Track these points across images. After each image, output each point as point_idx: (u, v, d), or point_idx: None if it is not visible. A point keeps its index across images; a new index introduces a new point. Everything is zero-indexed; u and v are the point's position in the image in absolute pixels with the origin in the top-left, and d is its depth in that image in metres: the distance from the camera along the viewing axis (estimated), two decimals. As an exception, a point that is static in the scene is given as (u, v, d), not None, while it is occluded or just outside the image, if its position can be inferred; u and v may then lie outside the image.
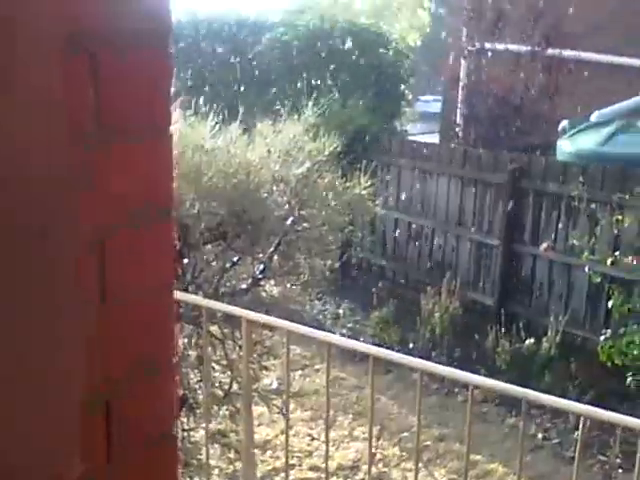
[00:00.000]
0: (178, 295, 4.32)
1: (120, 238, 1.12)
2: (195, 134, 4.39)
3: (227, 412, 5.04)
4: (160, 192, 1.18)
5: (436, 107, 16.48)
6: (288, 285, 5.57)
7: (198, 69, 11.66)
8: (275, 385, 6.45)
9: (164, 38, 1.12)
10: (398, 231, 9.59)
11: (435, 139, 13.79)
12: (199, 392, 4.87)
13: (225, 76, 11.48)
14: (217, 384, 5.03)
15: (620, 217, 6.85)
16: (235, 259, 5.24)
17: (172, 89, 1.17)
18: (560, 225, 7.80)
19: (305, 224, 4.94)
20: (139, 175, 1.14)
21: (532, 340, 7.57)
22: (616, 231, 6.94)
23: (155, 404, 1.22)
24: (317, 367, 7.67)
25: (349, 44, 10.86)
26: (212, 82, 11.45)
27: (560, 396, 3.28)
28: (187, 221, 4.49)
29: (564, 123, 8.83)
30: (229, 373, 4.98)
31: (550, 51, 9.68)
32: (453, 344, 8.00)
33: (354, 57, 10.99)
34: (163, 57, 1.13)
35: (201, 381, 4.74)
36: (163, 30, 1.12)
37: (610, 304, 6.94)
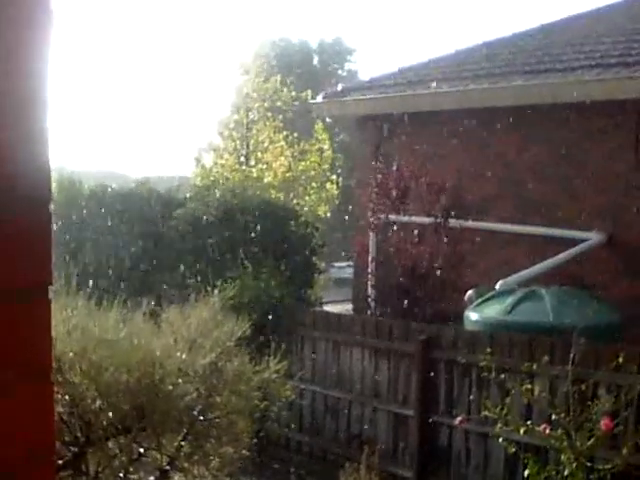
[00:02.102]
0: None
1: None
2: (96, 326, 4.31)
3: None
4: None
5: (350, 272, 16.78)
6: (199, 472, 5.36)
7: (108, 245, 11.66)
8: None
9: (43, 207, 1.23)
10: (315, 404, 9.47)
11: (350, 306, 13.93)
12: None
13: (136, 252, 11.49)
14: None
15: (530, 386, 6.93)
16: (141, 451, 5.04)
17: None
18: (472, 395, 7.85)
19: (214, 412, 4.83)
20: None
21: (454, 514, 7.41)
22: (526, 400, 7.00)
23: None
24: None
25: (259, 220, 11.10)
26: (122, 259, 11.43)
27: None
28: (89, 417, 4.33)
29: (470, 292, 9.08)
30: None
31: (452, 222, 10.09)
32: (375, 522, 7.77)
33: (265, 231, 11.21)
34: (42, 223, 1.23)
35: None
36: (42, 201, 1.23)
37: (527, 473, 6.89)
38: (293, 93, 21.32)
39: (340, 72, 37.75)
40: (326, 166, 17.64)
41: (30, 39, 1.22)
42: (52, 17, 1.29)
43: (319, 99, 13.47)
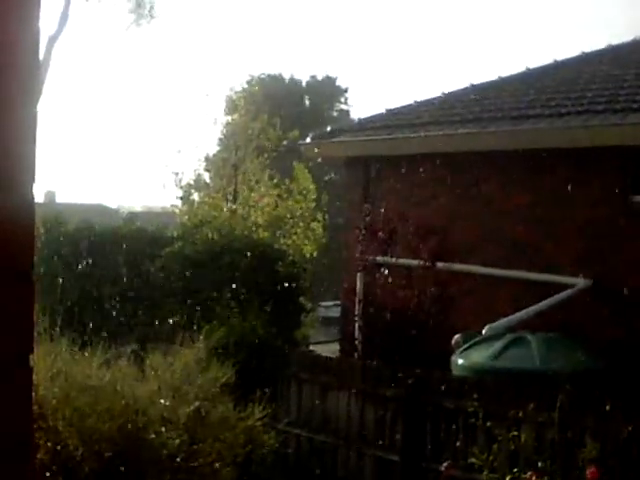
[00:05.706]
0: None
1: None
2: (80, 371, 4.26)
3: None
4: None
5: (337, 311, 16.71)
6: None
7: (93, 284, 11.57)
8: None
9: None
10: (300, 447, 9.36)
11: (337, 346, 13.84)
12: None
13: (122, 291, 11.43)
14: None
15: (516, 432, 6.90)
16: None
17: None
18: (459, 441, 7.78)
19: (198, 460, 4.76)
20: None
21: None
22: (513, 447, 6.96)
23: None
24: None
25: (246, 260, 11.08)
26: (107, 298, 11.35)
27: None
28: (71, 463, 4.26)
29: (457, 337, 9.06)
30: None
31: (439, 264, 10.09)
32: None
33: (252, 271, 11.18)
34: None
35: None
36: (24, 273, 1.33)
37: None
38: (280, 133, 21.39)
39: (331, 112, 37.87)
40: (312, 205, 17.70)
41: (20, 86, 1.24)
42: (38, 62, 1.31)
43: (308, 140, 13.53)
